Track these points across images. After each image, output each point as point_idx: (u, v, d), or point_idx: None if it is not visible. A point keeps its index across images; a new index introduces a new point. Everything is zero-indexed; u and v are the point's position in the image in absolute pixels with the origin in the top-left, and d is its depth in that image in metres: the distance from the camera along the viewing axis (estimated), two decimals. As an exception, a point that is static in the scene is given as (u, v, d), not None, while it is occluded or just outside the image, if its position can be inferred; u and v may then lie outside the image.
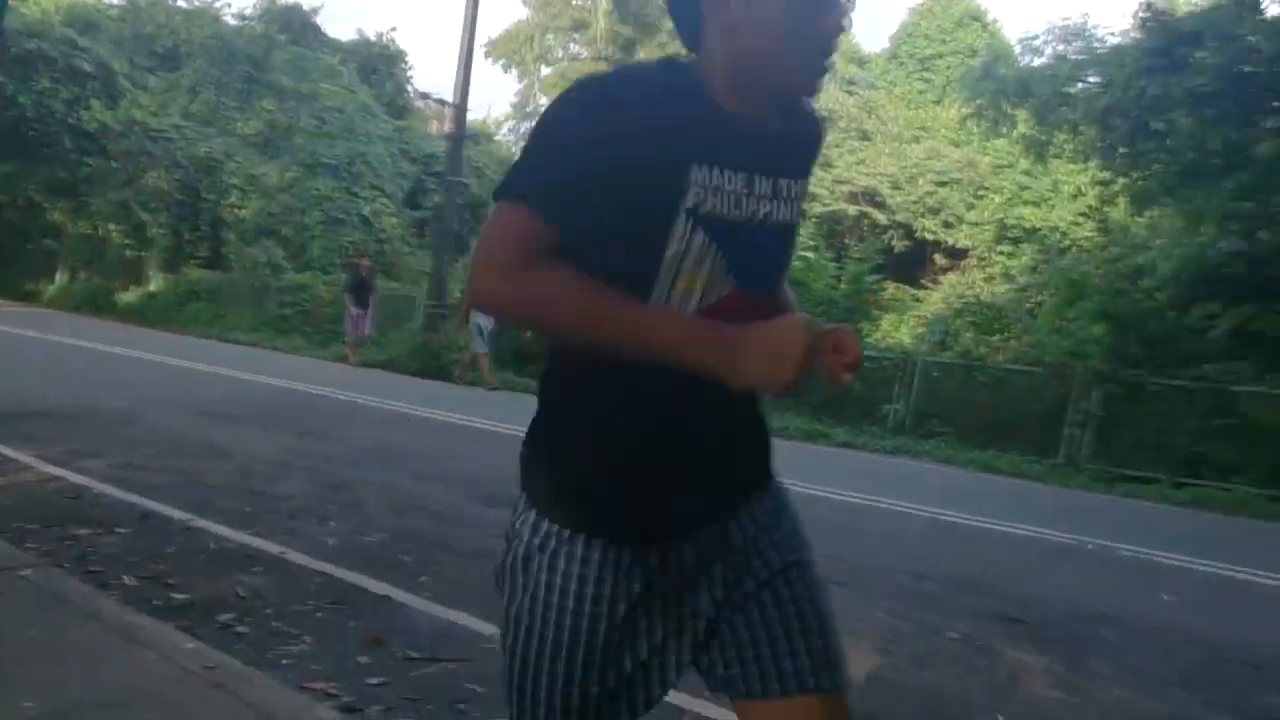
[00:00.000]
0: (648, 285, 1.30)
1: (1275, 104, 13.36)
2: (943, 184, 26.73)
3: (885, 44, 33.86)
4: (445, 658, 3.43)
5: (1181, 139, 13.78)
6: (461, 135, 18.82)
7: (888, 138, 28.89)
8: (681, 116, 1.28)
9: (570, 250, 1.26)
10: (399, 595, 4.13)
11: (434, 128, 30.68)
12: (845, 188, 27.56)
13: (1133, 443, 13.79)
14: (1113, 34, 25.40)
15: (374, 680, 3.19)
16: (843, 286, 20.11)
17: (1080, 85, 16.07)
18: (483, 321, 15.71)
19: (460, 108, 18.36)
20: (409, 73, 32.57)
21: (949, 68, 30.30)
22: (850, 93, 30.73)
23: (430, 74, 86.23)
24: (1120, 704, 3.86)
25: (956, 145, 27.70)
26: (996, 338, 18.12)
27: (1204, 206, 15.17)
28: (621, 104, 1.25)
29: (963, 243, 26.80)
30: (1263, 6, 13.93)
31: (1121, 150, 14.92)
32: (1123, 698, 3.93)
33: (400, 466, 7.42)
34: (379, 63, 31.19)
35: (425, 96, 29.86)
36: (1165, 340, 14.24)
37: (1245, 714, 3.90)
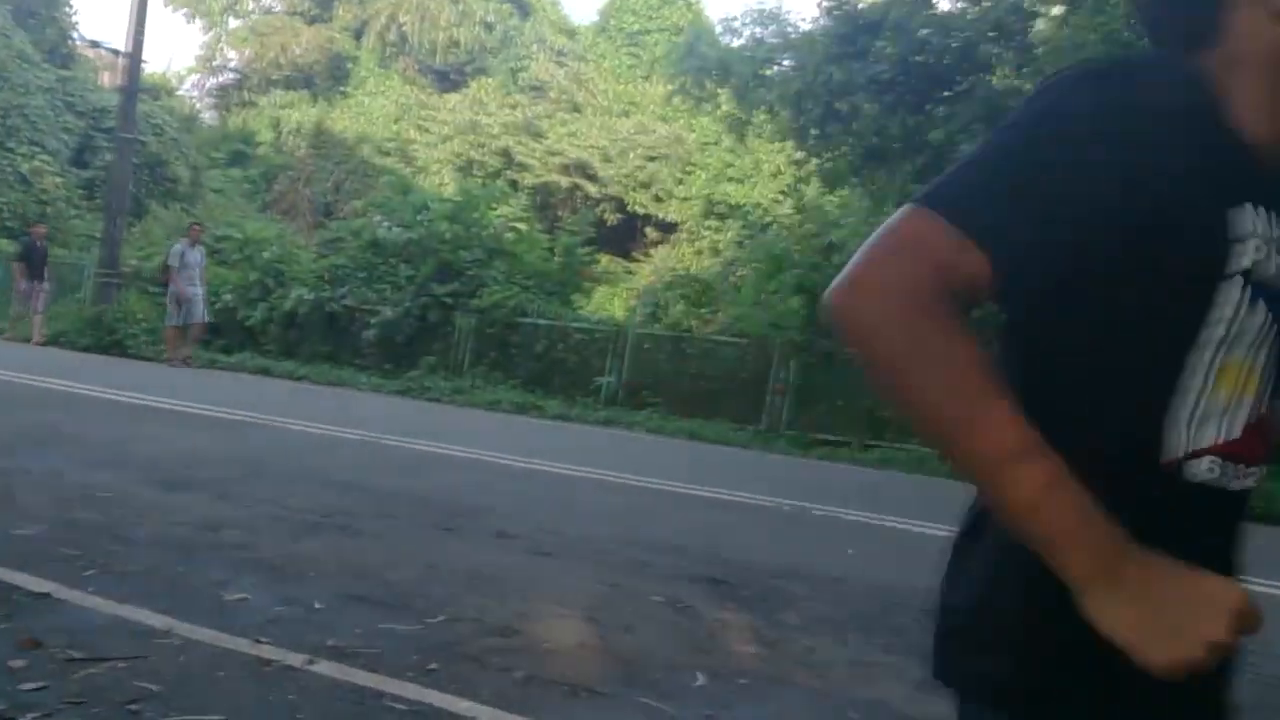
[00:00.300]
0: (1166, 387, 0.95)
1: (944, 94, 14.77)
2: (652, 159, 27.59)
3: (595, 17, 34.42)
4: (114, 656, 3.18)
5: (866, 123, 14.95)
6: (135, 88, 17.41)
7: (598, 110, 29.44)
8: (1218, 137, 0.96)
9: (1025, 324, 0.97)
10: (61, 592, 3.78)
11: (105, 79, 28.12)
12: (557, 159, 27.86)
13: (827, 409, 14.92)
14: (804, 20, 27.16)
15: (30, 685, 2.90)
16: (556, 259, 20.32)
17: (776, 68, 17.06)
18: (179, 291, 14.79)
19: (134, 58, 16.99)
20: (74, 18, 29.59)
21: (656, 44, 31.25)
22: (560, 64, 31.06)
23: (101, 21, 78.68)
24: (808, 652, 4.16)
25: (665, 121, 28.65)
26: (704, 310, 18.97)
27: (887, 187, 16.57)
28: (1149, 111, 0.92)
29: (672, 217, 27.81)
30: (934, 1, 15.33)
31: (813, 132, 15.99)
32: (811, 646, 4.24)
33: (65, 452, 6.78)
34: (37, 5, 28.10)
35: (95, 45, 27.33)
36: (854, 312, 15.41)
37: (917, 654, 4.29)
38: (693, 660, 3.85)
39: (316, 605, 3.97)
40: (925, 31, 14.53)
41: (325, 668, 3.25)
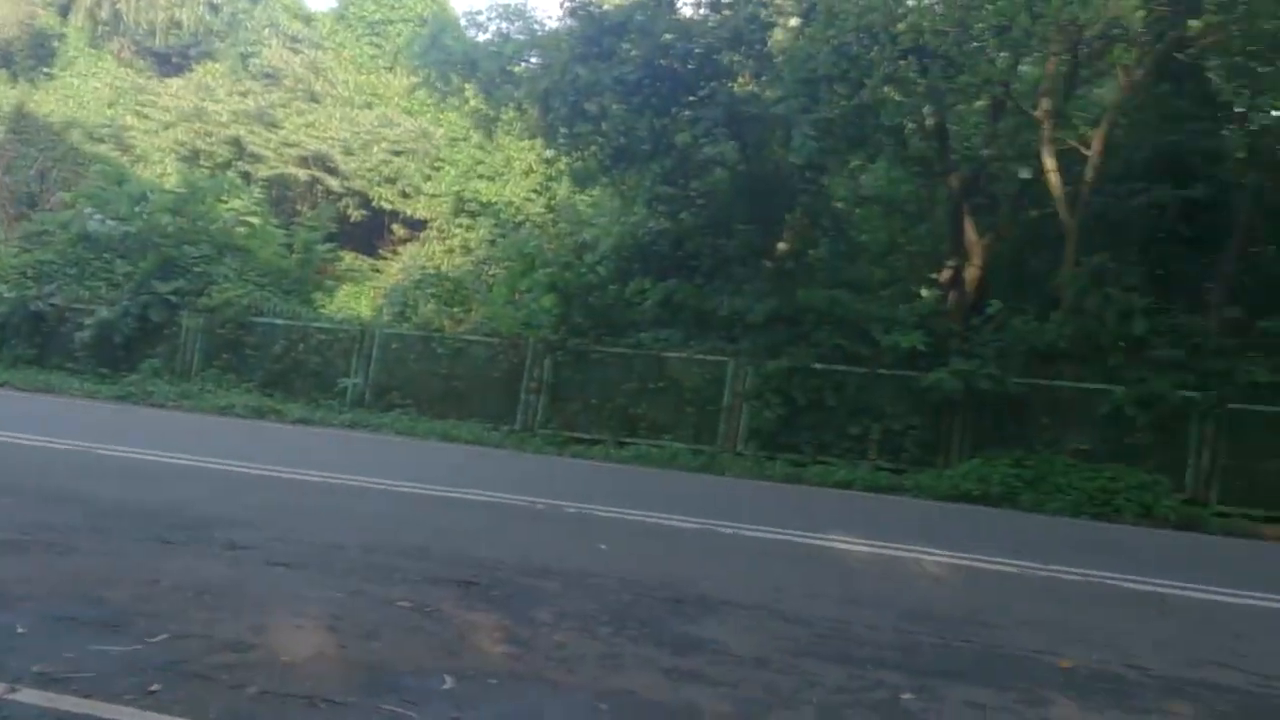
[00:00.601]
0: None
1: (689, 98, 15.28)
2: (398, 153, 27.00)
3: (333, 4, 33.23)
4: None
5: (614, 124, 15.25)
6: None
7: (338, 101, 28.51)
8: None
9: None
10: None
11: None
12: (294, 151, 26.77)
13: (581, 407, 15.15)
14: (550, 18, 27.39)
15: None
16: (294, 255, 19.56)
17: (523, 65, 17.09)
18: None
19: None
20: None
21: (399, 34, 30.59)
22: (295, 51, 29.84)
23: None
24: (560, 648, 4.20)
25: (410, 114, 28.11)
26: (456, 309, 18.81)
27: (636, 188, 16.99)
28: None
29: (421, 214, 27.32)
30: (678, 6, 15.83)
31: (562, 130, 16.15)
32: (563, 642, 4.29)
33: None
34: None
35: None
36: (606, 311, 15.76)
37: (665, 643, 4.44)
38: (440, 663, 3.81)
39: (20, 629, 3.65)
40: (669, 36, 14.97)
41: (30, 695, 3.00)
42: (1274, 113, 17.43)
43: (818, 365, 14.33)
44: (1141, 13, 13.61)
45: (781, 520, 8.55)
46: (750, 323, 14.74)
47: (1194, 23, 14.34)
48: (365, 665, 3.69)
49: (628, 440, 14.54)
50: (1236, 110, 18.42)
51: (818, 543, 7.65)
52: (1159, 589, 6.95)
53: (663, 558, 6.57)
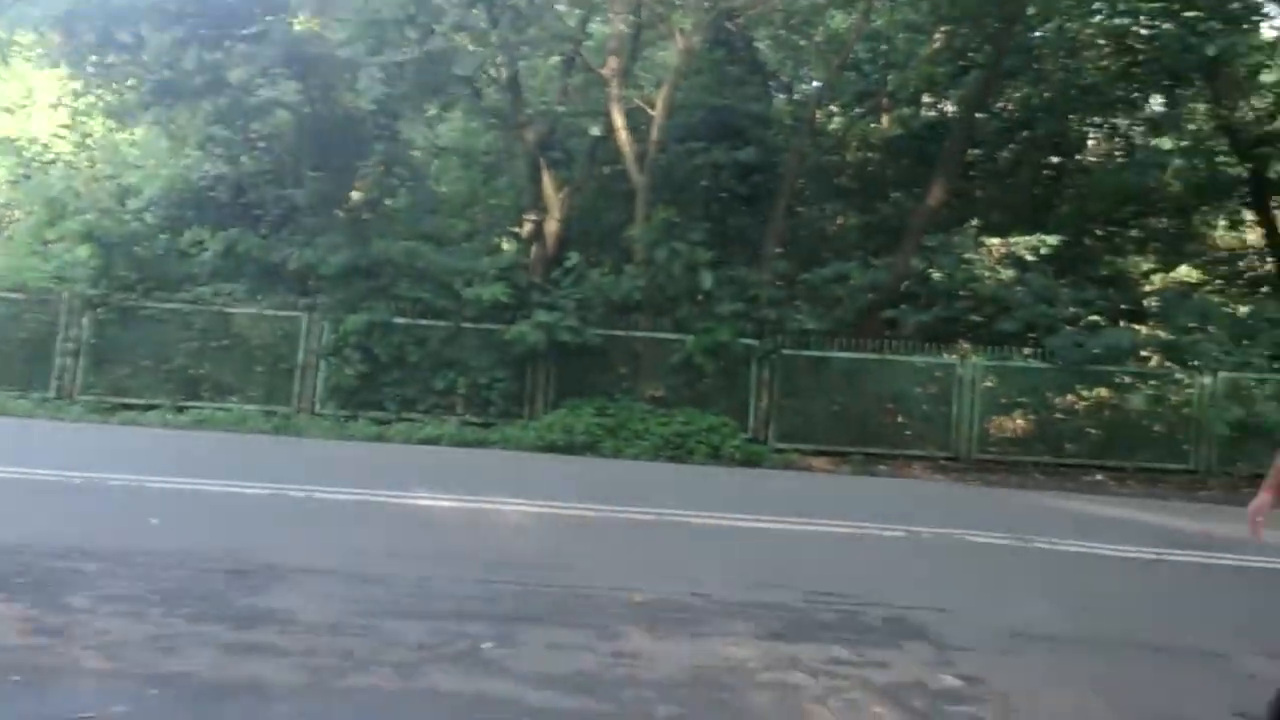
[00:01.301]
0: None
1: (244, 32, 14.22)
2: (-115, 77, 23.04)
3: None
4: None
5: (155, 55, 13.88)
6: None
7: None
8: None
9: None
10: None
11: None
12: None
13: (131, 370, 13.89)
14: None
15: None
16: None
17: (38, -19, 15.10)
18: None
19: None
20: None
21: (-117, -68, 26.03)
22: None
23: None
24: (101, 634, 3.83)
25: (-99, 31, 24.07)
26: (-32, 261, 16.47)
27: (186, 128, 15.64)
28: None
29: (-88, 150, 23.56)
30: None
31: (92, 59, 14.47)
32: (105, 628, 3.91)
33: None
34: None
35: None
36: (156, 263, 14.49)
37: (227, 618, 4.16)
38: (-56, 667, 3.31)
39: None
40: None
41: None
42: (815, 83, 19.51)
43: (399, 319, 14.10)
44: (695, -22, 14.56)
45: (362, 481, 8.34)
46: (325, 275, 14.17)
47: (741, -7, 15.56)
48: None
49: (189, 404, 13.54)
50: (783, 79, 20.41)
51: (400, 501, 7.55)
52: (723, 522, 7.59)
53: (225, 528, 6.17)
